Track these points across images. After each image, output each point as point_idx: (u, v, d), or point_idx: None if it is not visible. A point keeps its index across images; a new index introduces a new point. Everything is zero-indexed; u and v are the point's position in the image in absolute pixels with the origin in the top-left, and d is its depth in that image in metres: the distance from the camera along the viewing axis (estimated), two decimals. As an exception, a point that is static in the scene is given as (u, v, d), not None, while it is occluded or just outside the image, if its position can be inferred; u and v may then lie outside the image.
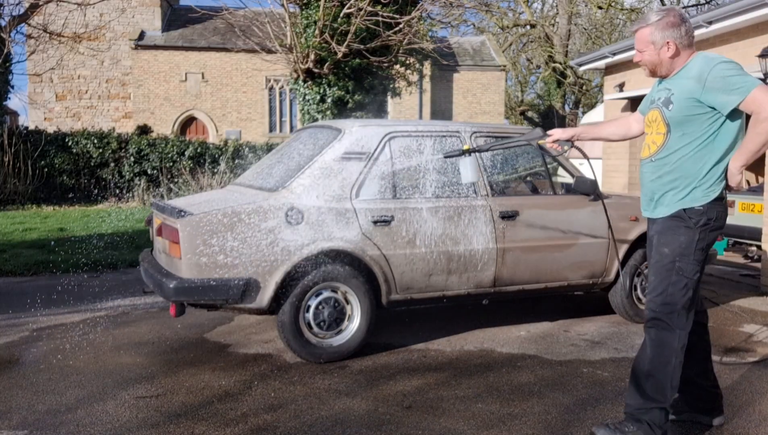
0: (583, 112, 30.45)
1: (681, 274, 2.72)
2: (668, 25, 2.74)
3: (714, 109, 2.65)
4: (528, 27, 30.10)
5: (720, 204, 2.74)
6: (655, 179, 2.82)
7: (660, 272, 2.77)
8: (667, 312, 2.72)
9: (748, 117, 2.66)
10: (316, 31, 11.16)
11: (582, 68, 11.01)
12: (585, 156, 3.31)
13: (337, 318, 3.97)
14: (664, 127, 2.78)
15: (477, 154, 3.24)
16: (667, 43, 2.74)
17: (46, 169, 14.02)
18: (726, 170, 2.72)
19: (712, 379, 3.03)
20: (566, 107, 32.25)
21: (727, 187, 2.76)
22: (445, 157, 3.64)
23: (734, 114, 2.66)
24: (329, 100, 11.98)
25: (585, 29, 29.66)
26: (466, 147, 3.29)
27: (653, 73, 2.85)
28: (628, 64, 9.67)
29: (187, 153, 14.71)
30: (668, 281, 2.73)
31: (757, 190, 7.78)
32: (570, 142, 3.19)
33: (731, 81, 2.60)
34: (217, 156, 14.90)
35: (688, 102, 2.69)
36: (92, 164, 14.53)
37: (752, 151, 2.64)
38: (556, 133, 3.18)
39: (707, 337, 3.02)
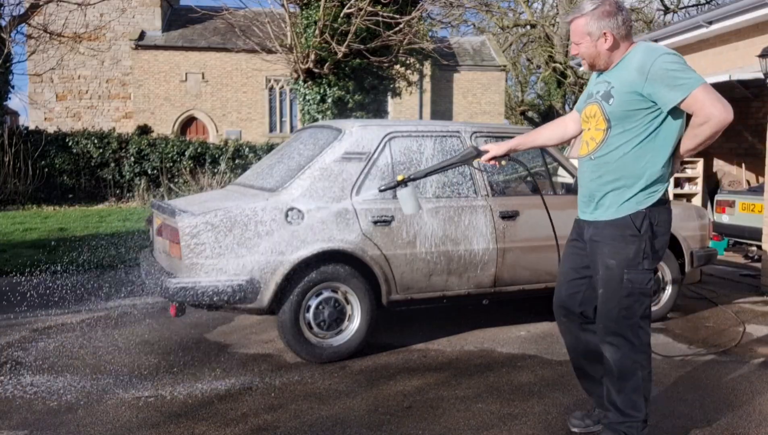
0: (584, 112, 30.41)
1: (632, 285, 2.57)
2: (604, 15, 2.58)
3: (655, 103, 2.50)
4: (528, 27, 30.10)
5: (664, 208, 2.61)
6: (595, 179, 2.66)
7: (609, 286, 2.62)
8: (625, 326, 2.59)
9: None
10: (317, 31, 11.17)
11: (582, 68, 11.00)
12: (525, 167, 3.22)
13: (337, 318, 3.97)
14: (603, 122, 2.62)
15: (416, 181, 3.05)
16: (604, 34, 2.59)
17: (46, 169, 14.01)
18: (670, 172, 2.61)
19: None
20: (566, 107, 32.24)
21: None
22: (380, 191, 3.45)
23: (675, 111, 2.51)
24: (329, 100, 11.98)
25: (585, 29, 29.60)
26: (400, 177, 3.08)
27: (592, 67, 2.70)
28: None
29: (187, 153, 14.71)
30: (619, 295, 2.59)
31: (757, 190, 7.79)
32: (507, 156, 3.03)
33: (675, 75, 2.44)
34: (217, 156, 14.90)
35: (629, 96, 2.53)
36: (92, 164, 14.52)
37: (690, 149, 2.56)
38: (492, 149, 3.02)
39: None
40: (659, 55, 2.48)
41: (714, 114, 2.40)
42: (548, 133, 3.04)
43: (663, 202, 2.61)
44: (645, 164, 2.55)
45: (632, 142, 2.56)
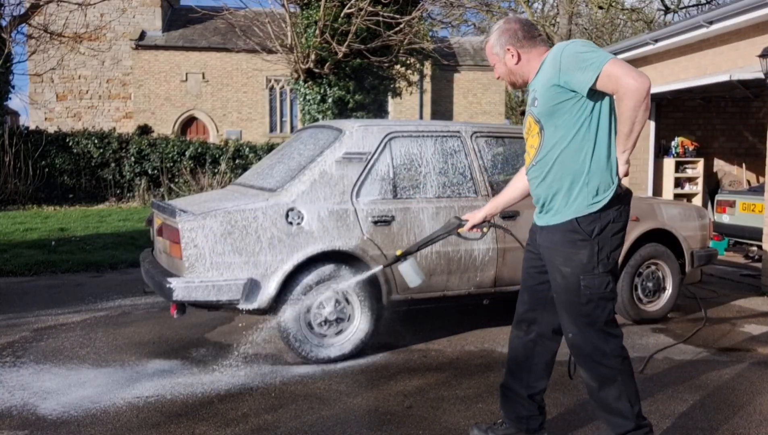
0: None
1: (589, 292, 2.46)
2: (502, 33, 2.61)
3: (576, 92, 2.42)
4: (528, 27, 30.04)
5: (617, 208, 2.48)
6: (540, 183, 2.58)
7: (567, 294, 2.51)
8: (592, 334, 2.49)
9: None
10: (317, 31, 11.17)
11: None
12: (506, 230, 3.20)
13: (338, 318, 3.97)
14: (536, 126, 2.56)
15: (411, 258, 3.10)
16: (508, 49, 2.60)
17: (46, 169, 14.02)
18: (615, 165, 2.47)
19: (542, 399, 2.84)
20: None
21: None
22: (384, 268, 3.43)
23: (599, 96, 2.43)
24: (330, 100, 11.99)
25: (586, 29, 29.64)
26: (398, 252, 3.11)
27: (513, 85, 2.70)
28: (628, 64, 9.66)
29: (187, 153, 14.71)
30: (579, 302, 2.48)
31: (758, 190, 7.79)
32: (487, 221, 3.01)
33: (583, 57, 2.38)
34: (217, 156, 14.90)
35: (549, 91, 2.47)
36: (93, 164, 14.53)
37: (626, 134, 2.37)
38: (470, 218, 2.99)
39: (554, 354, 2.81)
40: (567, 45, 2.46)
41: (629, 83, 2.28)
42: (516, 184, 2.96)
43: (615, 202, 2.47)
44: (584, 157, 2.46)
45: (567, 138, 2.47)
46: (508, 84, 2.72)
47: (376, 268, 3.38)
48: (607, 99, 2.46)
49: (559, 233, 2.52)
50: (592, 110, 2.45)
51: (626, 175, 2.47)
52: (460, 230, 3.03)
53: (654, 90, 8.45)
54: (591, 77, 2.35)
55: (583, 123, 2.46)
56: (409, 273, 3.09)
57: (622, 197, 2.50)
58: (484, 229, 3.05)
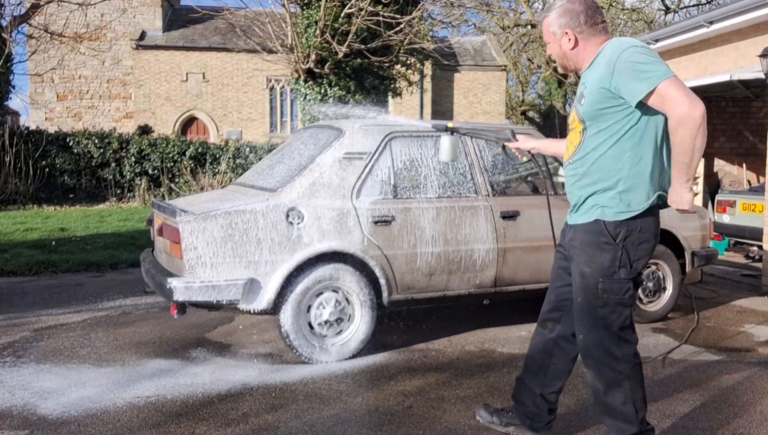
0: (584, 112, 30.39)
1: (606, 296, 2.42)
2: (565, 13, 2.46)
3: (625, 99, 2.33)
4: (529, 27, 30.07)
5: (648, 218, 2.42)
6: (575, 183, 2.54)
7: (585, 295, 2.48)
8: (605, 337, 2.46)
9: None
10: (317, 31, 11.17)
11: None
12: (538, 166, 3.34)
13: (338, 318, 3.97)
14: (579, 124, 2.49)
15: (458, 134, 3.26)
16: (566, 33, 2.47)
17: (47, 169, 14.02)
18: (658, 180, 2.40)
19: (556, 400, 2.83)
20: (567, 107, 32.24)
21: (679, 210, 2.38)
22: (433, 127, 3.57)
23: (649, 108, 2.32)
24: (330, 100, 11.98)
25: (586, 29, 29.60)
26: (450, 124, 3.25)
27: (564, 68, 2.58)
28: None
29: (188, 153, 14.71)
30: (595, 305, 2.45)
31: (758, 190, 7.78)
32: (530, 153, 3.06)
33: (641, 67, 2.26)
34: (218, 156, 14.90)
35: (598, 93, 2.38)
36: (93, 164, 14.53)
37: (687, 163, 2.26)
38: (521, 141, 3.02)
39: (574, 357, 2.76)
40: (627, 47, 2.32)
41: (684, 112, 2.19)
42: (559, 145, 2.99)
43: (648, 213, 2.42)
44: (622, 166, 2.38)
45: (607, 143, 2.40)
46: (559, 66, 2.62)
47: (426, 123, 3.63)
48: (657, 112, 2.34)
49: (585, 233, 2.49)
50: (638, 120, 2.36)
51: (693, 208, 2.36)
52: (506, 144, 3.14)
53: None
54: (643, 90, 2.27)
55: (628, 131, 2.37)
56: (447, 148, 3.21)
57: (654, 210, 2.44)
58: (524, 158, 3.17)
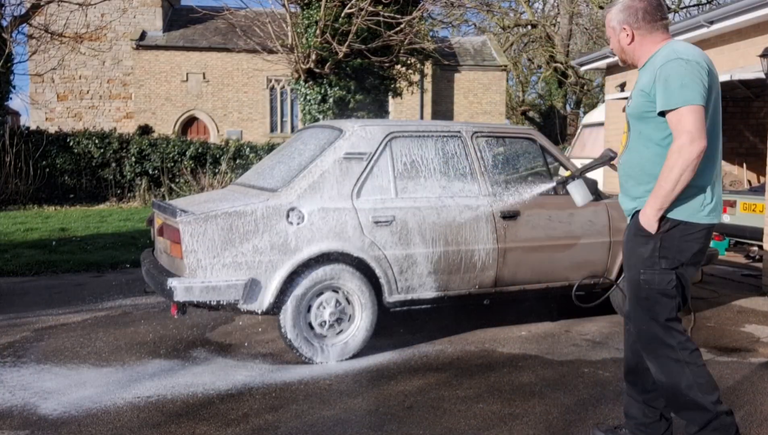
0: (585, 112, 30.43)
1: (649, 286, 2.47)
2: (624, 8, 2.51)
3: None
4: (529, 27, 30.09)
5: (699, 226, 2.42)
6: (623, 184, 2.62)
7: (630, 286, 2.55)
8: (656, 328, 2.48)
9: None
10: (317, 31, 11.17)
11: (583, 68, 11.02)
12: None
13: (338, 318, 3.97)
14: (626, 125, 2.57)
15: (578, 176, 3.32)
16: (624, 28, 2.52)
17: (47, 170, 14.02)
18: (704, 191, 2.41)
19: (663, 406, 2.71)
20: (567, 107, 32.24)
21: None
22: (559, 184, 3.57)
23: None
24: (330, 100, 11.98)
25: (586, 29, 29.64)
26: (567, 173, 3.36)
27: (623, 62, 2.64)
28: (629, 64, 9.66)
29: (188, 153, 14.71)
30: (640, 296, 2.50)
31: (759, 190, 7.78)
32: None
33: (673, 84, 2.32)
34: (218, 156, 14.90)
35: (641, 96, 2.44)
36: (93, 164, 14.53)
37: (666, 190, 2.33)
38: None
39: None
40: (673, 59, 2.36)
41: (683, 142, 2.26)
42: None
43: (700, 224, 2.42)
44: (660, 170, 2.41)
45: (648, 147, 2.46)
46: (619, 60, 2.68)
47: (550, 184, 3.65)
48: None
49: (629, 228, 2.57)
50: None
51: (653, 232, 2.43)
52: (613, 163, 3.15)
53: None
54: (663, 106, 2.34)
55: (666, 137, 2.41)
56: (578, 192, 3.27)
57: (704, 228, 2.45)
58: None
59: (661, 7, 2.54)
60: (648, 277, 2.47)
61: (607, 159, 3.18)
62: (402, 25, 11.11)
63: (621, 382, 3.62)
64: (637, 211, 2.53)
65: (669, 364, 2.49)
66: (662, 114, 2.38)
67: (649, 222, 2.43)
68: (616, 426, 2.88)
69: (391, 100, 14.11)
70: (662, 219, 2.44)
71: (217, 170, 14.47)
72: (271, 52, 12.67)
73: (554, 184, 3.46)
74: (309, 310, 3.92)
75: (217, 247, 3.69)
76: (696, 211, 2.44)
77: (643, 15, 2.49)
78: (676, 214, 2.44)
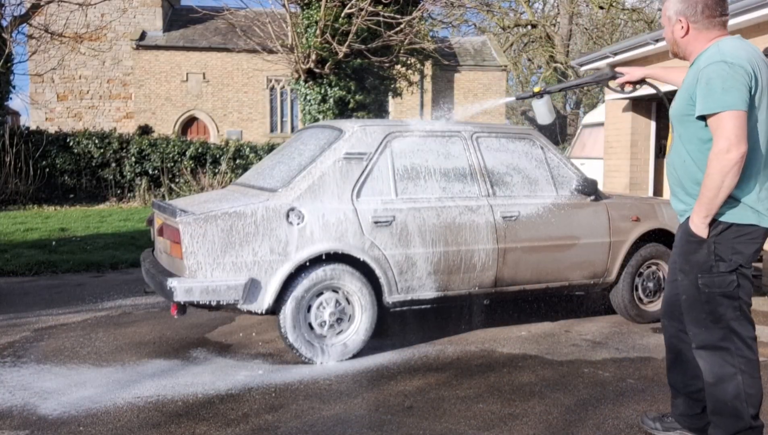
0: (585, 112, 30.43)
1: (710, 289, 2.44)
2: (684, 0, 2.44)
3: None
4: (529, 27, 30.09)
5: (752, 228, 2.39)
6: (671, 186, 2.62)
7: (688, 293, 2.51)
8: (716, 332, 2.46)
9: None
10: (317, 31, 11.18)
11: (583, 68, 11.00)
12: (658, 90, 3.09)
13: (338, 318, 3.97)
14: (671, 124, 2.56)
15: (547, 96, 3.23)
16: (679, 20, 2.45)
17: (47, 170, 14.02)
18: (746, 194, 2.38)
19: (705, 398, 2.73)
20: (567, 107, 32.26)
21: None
22: (517, 99, 3.63)
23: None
24: (330, 100, 11.99)
25: (586, 29, 29.65)
26: (537, 89, 3.22)
27: (675, 54, 2.58)
28: (629, 64, 9.67)
29: (188, 153, 14.71)
30: (700, 301, 2.47)
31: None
32: (642, 80, 2.97)
33: (715, 88, 2.28)
34: (218, 156, 14.90)
35: (684, 99, 2.43)
36: (93, 164, 14.53)
37: (709, 198, 2.32)
38: (628, 73, 2.94)
39: None
40: (716, 62, 2.31)
41: (721, 148, 2.24)
42: (675, 74, 2.86)
43: (753, 226, 2.40)
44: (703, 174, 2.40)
45: (690, 149, 2.44)
46: (670, 52, 2.63)
47: (508, 99, 3.54)
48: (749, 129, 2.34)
49: (680, 232, 2.55)
50: None
51: (707, 236, 2.41)
52: (611, 82, 3.07)
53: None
54: (704, 110, 2.31)
55: (707, 142, 2.38)
56: (542, 111, 3.21)
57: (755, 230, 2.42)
58: (636, 86, 3.04)
59: (723, 2, 2.46)
60: (707, 281, 2.44)
61: (607, 77, 3.07)
62: (402, 25, 11.11)
63: (621, 381, 3.63)
64: (687, 215, 2.52)
65: (723, 367, 2.46)
66: (702, 117, 2.35)
67: (699, 229, 2.42)
68: (663, 414, 2.92)
69: (391, 100, 14.12)
70: (713, 222, 2.42)
71: (217, 170, 14.47)
72: (271, 52, 12.68)
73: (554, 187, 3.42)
74: (309, 310, 3.92)
75: (216, 248, 3.69)
76: (747, 213, 2.40)
77: (702, 9, 2.41)
78: (726, 217, 2.41)
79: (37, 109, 24.02)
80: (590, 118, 12.15)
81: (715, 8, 2.42)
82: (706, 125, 2.36)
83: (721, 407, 2.49)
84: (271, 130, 25.20)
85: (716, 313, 2.45)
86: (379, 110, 12.71)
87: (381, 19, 10.82)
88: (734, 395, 2.44)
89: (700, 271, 2.45)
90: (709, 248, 2.42)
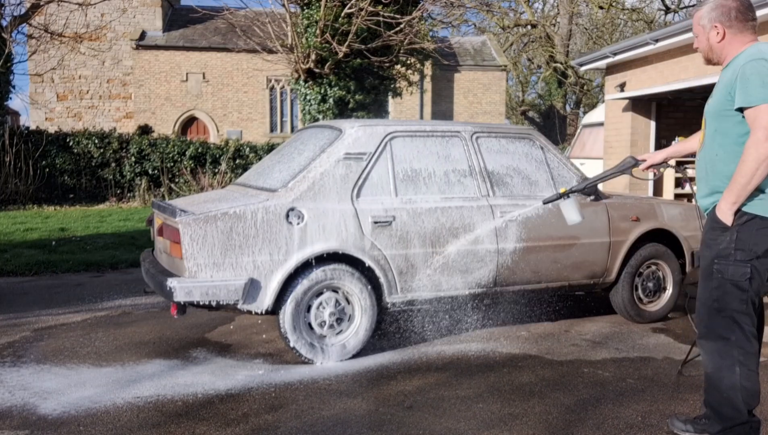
0: (584, 112, 30.44)
1: (722, 277, 2.51)
2: (717, 7, 2.56)
3: None
4: (529, 27, 30.10)
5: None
6: (700, 179, 2.68)
7: (703, 277, 2.60)
8: (719, 320, 2.52)
9: None
10: (317, 31, 11.18)
11: (583, 68, 11.01)
12: (684, 175, 3.25)
13: (338, 318, 3.97)
14: (704, 121, 2.63)
15: (573, 193, 3.29)
16: (715, 26, 2.56)
17: (47, 169, 14.03)
18: None
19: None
20: (567, 107, 32.26)
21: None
22: (544, 203, 3.72)
23: None
24: (330, 100, 11.99)
25: (586, 29, 29.66)
26: (562, 190, 3.32)
27: (708, 61, 2.68)
28: (629, 64, 9.67)
29: (188, 153, 14.72)
30: (710, 286, 2.55)
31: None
32: (664, 162, 3.12)
33: (755, 82, 2.38)
34: (218, 156, 14.91)
35: (723, 95, 2.51)
36: (93, 164, 14.54)
37: (741, 184, 2.41)
38: (649, 159, 3.10)
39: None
40: (756, 59, 2.42)
41: (758, 137, 2.33)
42: (688, 145, 3.03)
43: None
44: (734, 169, 2.47)
45: (723, 145, 2.52)
46: (704, 59, 2.71)
47: (537, 204, 3.59)
48: None
49: (708, 219, 2.63)
50: None
51: (731, 224, 2.49)
52: (634, 170, 3.13)
53: (654, 90, 8.45)
54: (742, 102, 2.40)
55: (743, 136, 2.46)
56: (570, 211, 3.24)
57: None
58: (661, 170, 3.15)
59: (752, 7, 2.61)
60: (721, 267, 2.52)
61: (629, 166, 3.14)
62: (402, 25, 11.11)
63: (621, 381, 3.63)
64: (714, 207, 2.58)
65: (722, 357, 2.52)
66: (740, 110, 2.44)
67: (725, 215, 2.49)
68: (696, 416, 2.90)
69: (391, 100, 14.13)
70: (738, 212, 2.49)
71: (216, 170, 14.47)
72: (271, 52, 12.68)
73: (554, 190, 3.46)
74: (309, 310, 3.92)
75: (216, 248, 3.69)
76: (759, 206, 2.48)
77: (735, 14, 2.54)
78: (752, 208, 2.48)
79: (36, 109, 24.02)
80: (590, 118, 12.15)
81: (746, 13, 2.56)
82: (743, 118, 2.45)
83: (718, 398, 2.54)
84: (271, 130, 25.20)
85: (722, 300, 2.51)
86: (378, 110, 12.71)
87: (381, 19, 10.82)
88: (730, 385, 2.50)
89: (717, 257, 2.52)
90: (731, 236, 2.50)
